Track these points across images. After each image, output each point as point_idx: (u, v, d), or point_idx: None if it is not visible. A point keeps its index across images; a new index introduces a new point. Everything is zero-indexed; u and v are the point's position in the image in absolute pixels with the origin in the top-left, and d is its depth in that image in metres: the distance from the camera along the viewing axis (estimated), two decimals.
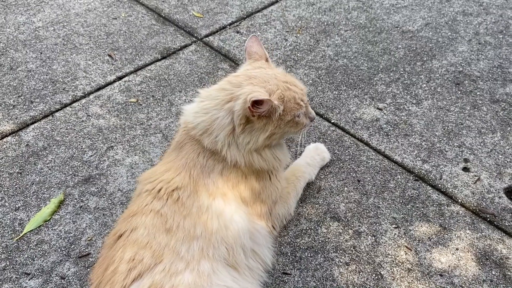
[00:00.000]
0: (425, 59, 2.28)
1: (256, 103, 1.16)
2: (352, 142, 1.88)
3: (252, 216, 1.35)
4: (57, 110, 2.04)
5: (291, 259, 1.48)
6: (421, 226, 1.57)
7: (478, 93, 2.07)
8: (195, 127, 1.29)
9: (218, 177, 1.29)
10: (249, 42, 1.39)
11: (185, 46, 2.44)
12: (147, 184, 1.29)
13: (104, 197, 1.68)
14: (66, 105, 2.07)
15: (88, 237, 1.55)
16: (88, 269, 1.45)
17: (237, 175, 1.31)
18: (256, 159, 1.31)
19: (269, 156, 1.34)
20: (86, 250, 1.51)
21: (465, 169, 1.75)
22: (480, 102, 2.02)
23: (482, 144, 1.84)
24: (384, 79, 2.18)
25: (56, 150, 1.86)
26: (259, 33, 2.49)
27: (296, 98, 1.27)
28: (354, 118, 1.98)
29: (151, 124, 1.97)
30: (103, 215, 1.62)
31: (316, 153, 1.71)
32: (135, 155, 1.84)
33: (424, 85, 2.13)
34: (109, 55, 2.36)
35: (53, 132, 1.93)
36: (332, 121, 1.97)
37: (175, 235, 1.18)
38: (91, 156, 1.83)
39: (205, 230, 1.20)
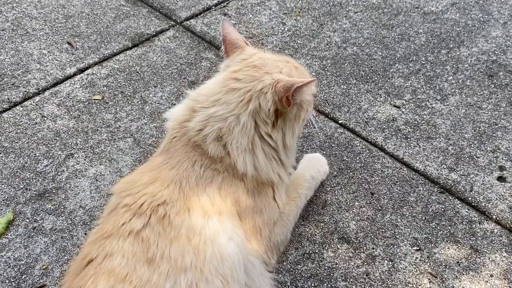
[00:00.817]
0: (451, 46, 2.30)
1: (296, 91, 1.23)
2: (364, 146, 1.88)
3: (247, 242, 1.34)
4: (5, 110, 2.03)
5: None
6: (448, 248, 1.57)
7: None
8: (206, 136, 1.30)
9: (216, 192, 1.29)
10: (225, 30, 1.42)
11: (161, 31, 2.44)
12: (126, 197, 1.28)
13: (62, 216, 1.67)
14: (16, 104, 2.06)
15: (43, 265, 1.54)
16: None
17: (238, 189, 1.32)
18: (270, 167, 1.36)
19: (287, 162, 1.42)
20: (41, 280, 1.50)
21: (501, 178, 1.76)
22: None
23: None
24: (402, 70, 2.19)
25: (3, 159, 1.85)
26: (251, 15, 2.50)
27: (306, 75, 1.39)
28: (366, 118, 1.99)
29: (119, 126, 1.97)
30: (62, 238, 1.61)
31: (320, 165, 1.72)
32: (100, 164, 1.83)
33: (451, 77, 2.15)
34: (69, 43, 2.36)
35: (0, 137, 1.92)
36: (340, 121, 1.98)
37: (158, 268, 1.16)
38: (47, 166, 1.83)
39: (197, 258, 1.19)
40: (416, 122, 1.96)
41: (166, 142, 1.39)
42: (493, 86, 2.10)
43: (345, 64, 2.24)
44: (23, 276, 1.52)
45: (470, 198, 1.71)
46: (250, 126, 1.28)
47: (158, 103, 2.06)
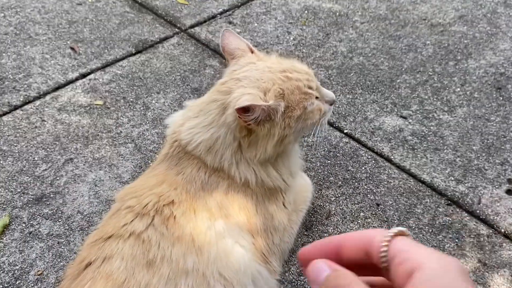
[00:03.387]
0: (459, 58, 2.29)
1: (242, 111, 1.15)
2: (369, 157, 1.86)
3: (254, 248, 1.32)
4: (5, 114, 2.02)
5: None
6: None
7: None
8: (196, 147, 1.28)
9: (223, 196, 1.27)
10: (224, 40, 1.39)
11: (166, 38, 2.44)
12: (129, 200, 1.25)
13: (59, 221, 1.64)
14: (16, 108, 2.05)
15: (38, 271, 1.51)
16: None
17: (246, 194, 1.29)
18: (272, 174, 1.31)
19: (284, 169, 1.35)
20: (35, 287, 1.47)
21: (510, 191, 1.73)
22: None
23: None
24: (409, 81, 2.18)
25: (1, 162, 1.83)
26: (256, 24, 2.50)
27: (301, 87, 1.26)
28: (372, 128, 1.97)
29: (121, 131, 1.95)
30: (58, 243, 1.58)
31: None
32: (99, 169, 1.81)
33: (458, 89, 2.13)
34: (72, 48, 2.35)
35: None
36: (345, 131, 1.96)
37: (158, 271, 1.14)
38: (45, 170, 1.81)
39: (199, 259, 1.16)
40: (423, 133, 1.94)
41: (167, 149, 1.37)
42: (501, 98, 2.08)
43: (351, 74, 2.22)
44: (17, 282, 1.48)
45: (478, 211, 1.68)
46: (231, 138, 1.23)
47: (160, 109, 2.05)
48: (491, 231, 1.62)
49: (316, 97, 1.30)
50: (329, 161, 1.84)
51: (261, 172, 1.29)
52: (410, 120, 2.00)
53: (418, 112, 2.03)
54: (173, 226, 1.18)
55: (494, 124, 1.97)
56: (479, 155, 1.86)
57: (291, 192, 1.42)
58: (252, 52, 1.38)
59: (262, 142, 1.24)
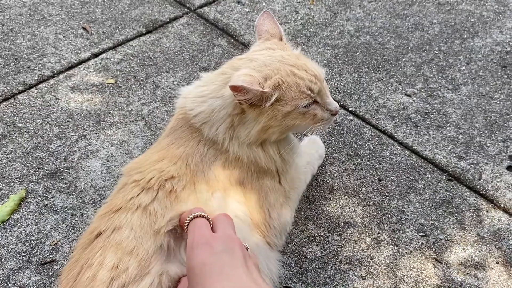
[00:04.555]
0: (465, 36, 2.29)
1: (235, 89, 1.18)
2: (373, 134, 1.89)
3: (251, 222, 1.36)
4: (20, 92, 2.08)
5: (295, 270, 1.50)
6: (454, 235, 1.58)
7: None
8: (195, 116, 1.32)
9: (220, 170, 1.31)
10: (260, 20, 1.41)
11: (175, 18, 2.47)
12: (135, 175, 1.31)
13: (73, 195, 1.71)
14: (31, 86, 2.10)
15: (53, 241, 1.58)
16: (52, 278, 1.48)
17: (242, 170, 1.33)
18: (262, 156, 1.33)
19: (275, 154, 1.36)
20: (50, 256, 1.54)
21: (510, 168, 1.76)
22: None
23: None
24: (415, 59, 2.19)
25: (18, 138, 1.89)
26: (264, 4, 2.52)
27: (300, 86, 1.27)
28: (377, 106, 1.99)
29: (131, 109, 2.01)
30: (72, 215, 1.65)
31: (314, 149, 1.73)
32: (111, 145, 1.87)
33: (463, 67, 2.14)
34: (84, 28, 2.40)
35: (15, 118, 1.97)
36: (350, 109, 1.99)
37: (165, 240, 1.19)
38: (59, 146, 1.87)
39: None
40: (427, 111, 1.96)
41: (173, 122, 1.41)
42: (506, 76, 2.09)
43: (357, 53, 2.24)
44: (34, 251, 1.55)
45: (478, 187, 1.71)
46: (225, 112, 1.26)
47: (169, 88, 2.09)
48: (490, 205, 1.65)
49: (317, 102, 1.32)
50: (333, 138, 1.88)
51: (252, 152, 1.31)
52: (414, 98, 2.02)
53: (422, 90, 2.05)
54: (175, 200, 1.23)
55: (498, 102, 1.98)
56: (481, 132, 1.88)
57: (288, 171, 1.45)
58: (281, 39, 1.41)
59: (249, 124, 1.27)
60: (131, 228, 1.19)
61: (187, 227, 0.98)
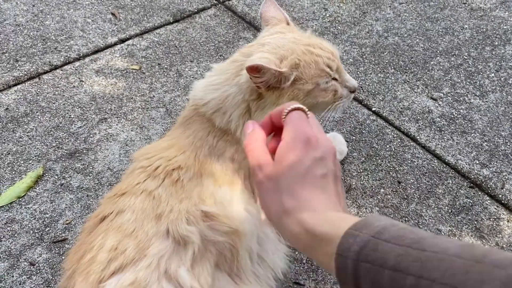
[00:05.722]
0: (496, 43, 2.23)
1: (252, 70, 1.16)
2: (395, 135, 1.85)
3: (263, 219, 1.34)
4: (46, 72, 2.09)
5: (306, 267, 1.47)
6: (472, 242, 1.53)
7: None
8: (206, 104, 1.30)
9: (228, 163, 1.29)
10: (264, 7, 1.40)
11: (203, 9, 2.46)
12: (143, 161, 1.30)
13: (90, 176, 1.71)
14: (56, 67, 2.11)
15: (67, 220, 1.58)
16: (63, 257, 1.48)
17: None
18: None
19: None
20: (63, 234, 1.54)
21: None
22: None
23: None
24: (443, 63, 2.14)
25: (39, 117, 1.90)
26: (293, 0, 2.49)
27: (319, 63, 1.25)
28: (401, 108, 1.95)
29: (153, 96, 2.00)
30: (87, 196, 1.65)
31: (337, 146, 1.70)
32: (131, 130, 1.86)
33: (492, 74, 2.09)
34: (112, 14, 2.40)
35: (38, 97, 1.98)
36: (373, 108, 1.95)
37: (166, 221, 1.18)
38: (80, 127, 1.87)
39: None
40: (452, 116, 1.91)
41: (185, 112, 1.39)
42: None
43: (385, 53, 2.20)
44: (47, 229, 1.56)
45: (500, 195, 1.65)
46: (239, 99, 1.24)
47: (192, 77, 2.08)
48: (511, 215, 1.60)
49: (335, 79, 1.29)
50: (354, 137, 1.84)
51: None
52: (440, 102, 1.97)
53: (449, 94, 2.00)
54: (181, 189, 1.21)
55: None
56: (507, 141, 1.82)
57: None
58: (288, 24, 1.39)
59: (269, 109, 1.23)
60: (133, 211, 1.18)
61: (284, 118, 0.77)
